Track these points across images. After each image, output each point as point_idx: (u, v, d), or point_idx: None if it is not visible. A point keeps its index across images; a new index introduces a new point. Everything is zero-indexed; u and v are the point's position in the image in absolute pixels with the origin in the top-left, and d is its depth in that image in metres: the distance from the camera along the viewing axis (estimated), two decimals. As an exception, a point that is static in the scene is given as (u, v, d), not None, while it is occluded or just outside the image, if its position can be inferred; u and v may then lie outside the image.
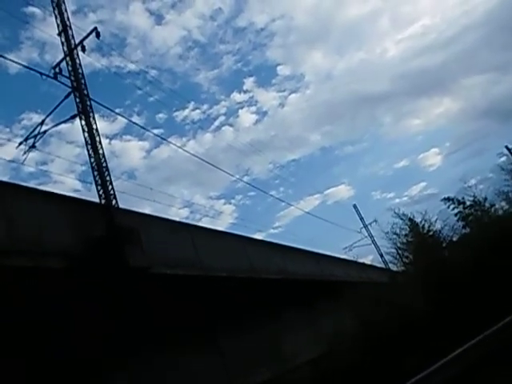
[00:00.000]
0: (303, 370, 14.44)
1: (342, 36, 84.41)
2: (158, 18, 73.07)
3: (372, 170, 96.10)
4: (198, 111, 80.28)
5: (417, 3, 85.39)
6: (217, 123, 70.42)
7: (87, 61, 11.67)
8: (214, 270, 11.68)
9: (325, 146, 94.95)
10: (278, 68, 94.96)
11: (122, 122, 61.93)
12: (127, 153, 64.97)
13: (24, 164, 11.24)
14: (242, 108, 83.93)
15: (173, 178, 68.75)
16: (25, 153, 11.10)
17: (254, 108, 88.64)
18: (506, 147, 26.59)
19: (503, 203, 18.77)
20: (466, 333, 9.34)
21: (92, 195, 10.16)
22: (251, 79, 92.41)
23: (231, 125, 71.82)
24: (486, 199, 18.00)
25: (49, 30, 12.26)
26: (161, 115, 67.28)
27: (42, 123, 11.42)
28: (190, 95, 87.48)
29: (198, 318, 11.66)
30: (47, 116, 11.43)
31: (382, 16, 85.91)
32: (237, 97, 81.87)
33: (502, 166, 22.97)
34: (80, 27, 11.97)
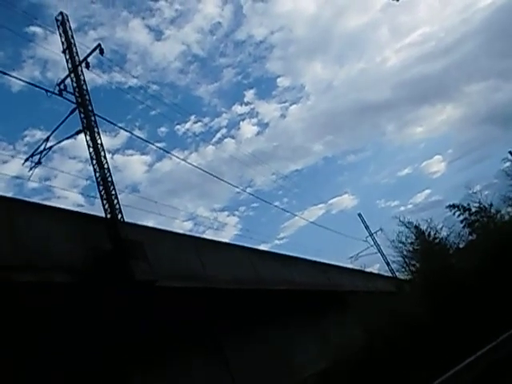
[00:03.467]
0: (311, 382, 14.27)
1: (341, 46, 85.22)
2: (158, 34, 74.14)
3: (375, 178, 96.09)
4: (199, 124, 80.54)
5: (415, 13, 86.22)
6: (219, 135, 70.67)
7: (89, 77, 11.84)
8: (219, 282, 11.64)
9: (327, 155, 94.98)
10: (278, 80, 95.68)
11: (123, 136, 62.13)
12: (130, 167, 65.32)
13: (29, 180, 11.34)
14: (243, 120, 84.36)
15: (176, 191, 69.02)
16: (31, 169, 11.20)
17: (255, 120, 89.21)
18: (510, 153, 26.45)
19: (509, 209, 18.67)
20: (474, 341, 9.22)
21: (95, 209, 10.23)
22: (252, 91, 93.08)
23: (233, 137, 72.21)
24: (491, 205, 17.91)
25: (51, 48, 12.48)
26: (162, 129, 67.77)
27: (47, 139, 11.56)
28: (191, 108, 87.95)
29: (204, 330, 11.60)
30: (52, 132, 11.58)
31: (381, 26, 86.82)
32: (238, 109, 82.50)
33: (506, 171, 22.88)
34: (82, 43, 12.20)
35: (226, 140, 72.48)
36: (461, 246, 17.19)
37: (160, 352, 10.22)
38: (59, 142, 11.70)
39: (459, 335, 10.72)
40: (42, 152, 11.41)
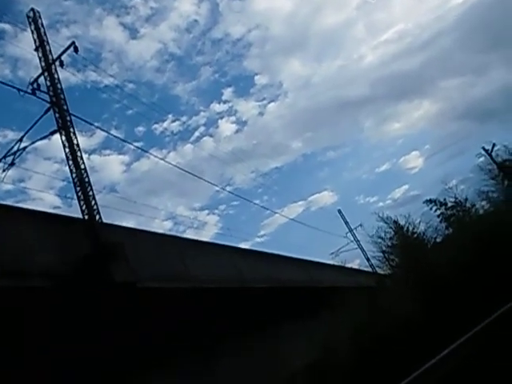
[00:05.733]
0: (298, 378, 14.38)
1: (319, 44, 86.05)
2: (133, 32, 73.03)
3: (355, 174, 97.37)
4: (177, 123, 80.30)
5: (390, 10, 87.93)
6: (197, 134, 70.93)
7: (63, 76, 11.53)
8: (202, 281, 11.56)
9: (307, 152, 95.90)
10: (256, 77, 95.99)
11: (100, 136, 60.99)
12: (107, 167, 64.22)
13: (2, 182, 10.99)
14: (221, 118, 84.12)
15: (155, 190, 68.18)
16: (4, 171, 10.86)
17: (233, 118, 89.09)
18: (483, 148, 27.33)
19: (483, 203, 19.29)
20: (456, 331, 9.45)
21: (73, 211, 9.99)
22: (230, 89, 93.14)
23: (211, 135, 72.21)
24: (466, 200, 18.47)
25: (22, 45, 12.12)
26: (140, 128, 66.92)
27: (20, 140, 11.21)
28: (168, 107, 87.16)
29: (188, 333, 11.48)
30: (26, 132, 11.23)
31: (357, 23, 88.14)
32: (216, 107, 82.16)
33: (480, 166, 23.69)
34: (55, 41, 11.89)
35: (204, 138, 72.45)
36: (438, 240, 17.66)
37: (147, 352, 10.08)
38: (33, 142, 11.37)
39: (442, 325, 10.97)
40: (15, 153, 11.07)
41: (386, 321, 13.13)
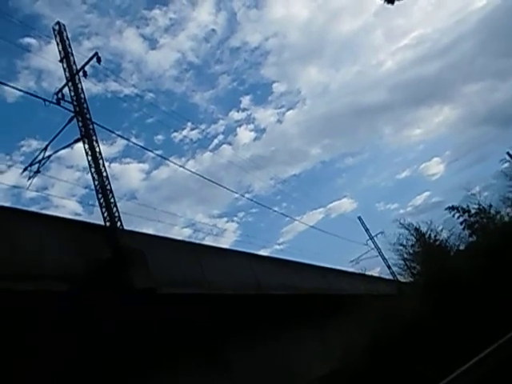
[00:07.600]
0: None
1: (336, 51, 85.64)
2: (152, 42, 74.41)
3: (374, 181, 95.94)
4: (196, 131, 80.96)
5: (408, 16, 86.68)
6: (216, 141, 71.27)
7: (85, 86, 11.90)
8: (220, 288, 11.62)
9: (325, 159, 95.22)
10: (274, 85, 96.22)
11: (120, 144, 62.16)
12: (127, 175, 65.31)
13: (27, 189, 11.37)
14: (240, 126, 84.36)
15: (174, 198, 68.91)
16: (29, 178, 11.24)
17: (252, 125, 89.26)
18: (508, 153, 26.52)
19: (509, 209, 18.66)
20: (476, 342, 9.19)
21: (94, 217, 10.25)
22: (248, 97, 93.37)
23: (230, 143, 72.43)
24: (490, 206, 17.92)
25: (46, 57, 12.58)
26: (159, 137, 67.89)
27: (45, 148, 11.60)
28: (187, 116, 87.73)
29: (205, 338, 11.54)
30: (51, 141, 11.62)
31: (375, 30, 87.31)
32: (234, 115, 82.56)
33: (505, 172, 22.93)
34: (78, 52, 12.30)
35: (223, 146, 72.92)
36: (461, 247, 17.20)
37: (161, 357, 10.18)
38: (57, 150, 11.77)
39: (463, 335, 10.68)
40: (40, 161, 11.46)
41: (407, 328, 12.85)
